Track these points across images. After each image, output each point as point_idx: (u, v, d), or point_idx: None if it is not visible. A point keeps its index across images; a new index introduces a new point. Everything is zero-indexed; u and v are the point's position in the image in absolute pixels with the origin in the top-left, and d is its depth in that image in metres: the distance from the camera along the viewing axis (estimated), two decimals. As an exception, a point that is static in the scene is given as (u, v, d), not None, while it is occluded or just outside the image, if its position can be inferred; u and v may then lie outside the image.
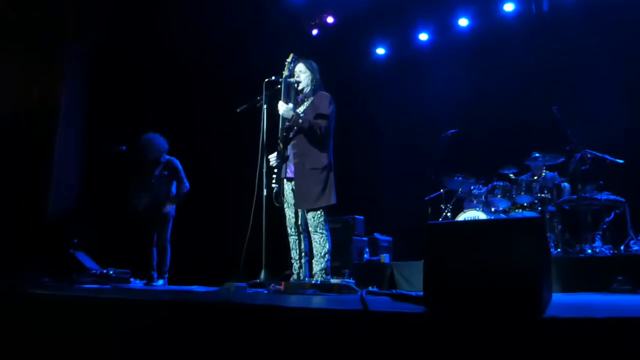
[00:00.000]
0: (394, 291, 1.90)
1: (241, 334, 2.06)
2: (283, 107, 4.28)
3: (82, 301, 2.95)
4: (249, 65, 7.23)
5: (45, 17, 6.89)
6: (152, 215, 6.23)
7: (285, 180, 4.42)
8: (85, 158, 7.30)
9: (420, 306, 1.81)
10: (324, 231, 4.21)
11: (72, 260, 6.12)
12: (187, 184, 6.36)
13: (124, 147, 6.42)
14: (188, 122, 7.76)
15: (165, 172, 6.30)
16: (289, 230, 4.42)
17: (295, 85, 4.46)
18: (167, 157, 6.44)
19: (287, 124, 4.32)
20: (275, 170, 4.37)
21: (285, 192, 4.43)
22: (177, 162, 6.42)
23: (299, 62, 4.48)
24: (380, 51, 9.47)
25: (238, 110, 4.69)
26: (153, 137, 6.37)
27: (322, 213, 4.24)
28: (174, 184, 6.34)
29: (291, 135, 4.38)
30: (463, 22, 8.58)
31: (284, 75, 4.40)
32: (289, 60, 4.42)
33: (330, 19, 8.83)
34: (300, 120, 4.22)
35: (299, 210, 4.34)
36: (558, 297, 3.57)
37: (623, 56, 6.87)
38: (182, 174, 6.39)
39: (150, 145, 6.34)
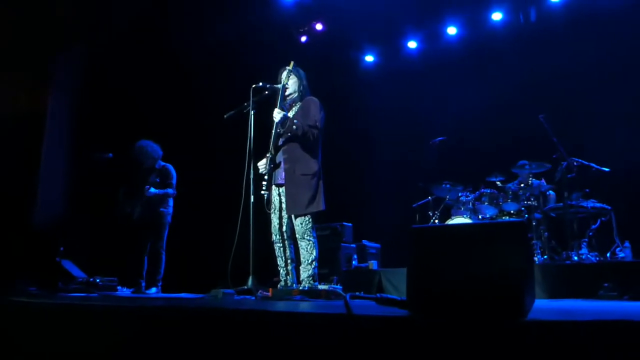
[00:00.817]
0: (378, 295, 1.90)
1: (229, 339, 2.06)
2: (279, 115, 4.28)
3: (68, 309, 2.92)
4: (237, 72, 7.25)
5: (33, 23, 6.86)
6: (147, 223, 6.18)
7: (274, 186, 4.42)
8: (72, 165, 7.25)
9: (405, 310, 1.82)
10: (311, 238, 4.21)
11: (59, 268, 6.06)
12: (174, 191, 6.33)
13: (111, 155, 6.37)
14: (176, 129, 7.73)
15: (157, 180, 6.27)
16: (273, 238, 4.40)
17: (284, 91, 4.47)
18: (162, 163, 6.42)
19: (279, 130, 4.33)
20: (266, 177, 4.36)
21: (273, 198, 4.43)
22: (171, 169, 6.39)
23: (286, 69, 4.49)
24: (369, 59, 9.52)
25: (225, 116, 4.68)
26: (146, 144, 6.35)
27: (310, 219, 4.24)
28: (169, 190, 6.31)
29: (281, 141, 4.38)
30: (452, 30, 8.65)
31: (283, 83, 4.41)
32: (289, 67, 4.44)
33: (319, 26, 8.87)
34: (294, 127, 4.22)
35: (286, 216, 4.33)
36: (543, 303, 3.59)
37: (609, 65, 6.96)
38: (174, 180, 6.35)
39: (144, 153, 6.31)
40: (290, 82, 4.48)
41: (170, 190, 6.28)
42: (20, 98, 7.08)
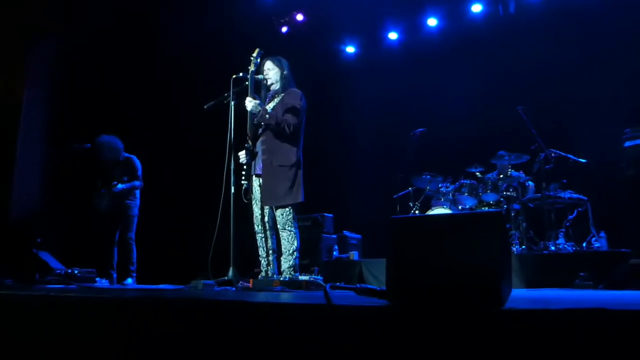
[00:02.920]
0: (358, 286, 1.91)
1: (209, 330, 2.05)
2: (250, 104, 4.26)
3: (45, 301, 2.89)
4: (216, 62, 7.19)
5: (9, 12, 6.73)
6: (113, 215, 6.17)
7: (254, 176, 4.40)
8: (48, 156, 7.15)
9: (384, 300, 1.83)
10: (292, 229, 4.21)
11: (36, 260, 5.98)
12: (141, 183, 6.30)
13: (89, 145, 6.30)
14: (155, 119, 7.67)
15: (122, 173, 6.23)
16: (255, 228, 4.39)
17: (265, 82, 4.45)
18: (126, 155, 6.37)
19: (255, 120, 4.30)
20: (245, 167, 4.34)
21: (253, 188, 4.41)
22: (136, 160, 6.35)
23: (267, 60, 4.46)
24: (350, 49, 9.51)
25: (205, 107, 4.65)
26: (106, 139, 6.30)
27: (291, 210, 4.24)
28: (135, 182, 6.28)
29: (260, 131, 4.36)
30: (432, 22, 8.67)
31: (250, 71, 4.38)
32: (254, 55, 4.41)
33: (299, 17, 8.83)
34: (267, 116, 4.20)
35: (266, 207, 4.33)
36: (521, 292, 3.64)
37: (588, 57, 7.03)
38: (139, 172, 6.32)
39: (103, 148, 6.27)
40: (271, 73, 4.45)
41: (137, 183, 6.26)
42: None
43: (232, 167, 4.34)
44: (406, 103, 8.25)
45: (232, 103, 4.46)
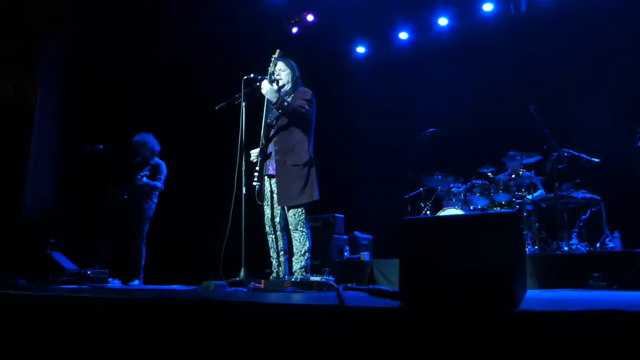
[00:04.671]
0: (370, 287, 1.91)
1: (221, 331, 2.06)
2: (267, 87, 4.23)
3: (58, 301, 2.91)
4: (227, 63, 7.21)
5: (21, 12, 6.79)
6: (128, 215, 6.18)
7: (266, 177, 4.41)
8: (62, 156, 7.20)
9: (397, 301, 1.82)
10: (304, 229, 4.22)
11: (49, 260, 6.02)
12: (162, 187, 6.32)
13: (101, 146, 6.34)
14: (167, 120, 7.69)
15: (149, 173, 6.24)
16: (266, 229, 4.41)
17: (277, 82, 4.46)
18: (157, 160, 6.40)
19: (269, 120, 4.30)
20: (257, 168, 4.35)
21: (265, 189, 4.42)
22: (164, 166, 6.38)
23: (279, 61, 4.47)
24: (361, 50, 9.49)
25: (217, 107, 4.67)
26: (149, 138, 6.32)
27: (303, 211, 4.25)
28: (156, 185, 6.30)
29: (272, 132, 4.38)
30: (443, 21, 8.64)
31: (270, 72, 4.38)
32: (275, 55, 4.41)
33: (310, 17, 8.82)
34: (285, 103, 4.20)
35: (279, 207, 4.33)
36: (534, 294, 3.61)
37: (600, 56, 6.98)
38: (164, 176, 6.34)
39: (144, 147, 6.30)
40: (283, 74, 4.47)
41: (159, 184, 6.27)
42: (9, 90, 7.01)
43: (243, 167, 4.36)
44: (417, 103, 8.23)
45: (243, 104, 4.48)
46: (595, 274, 4.68)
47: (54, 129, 7.33)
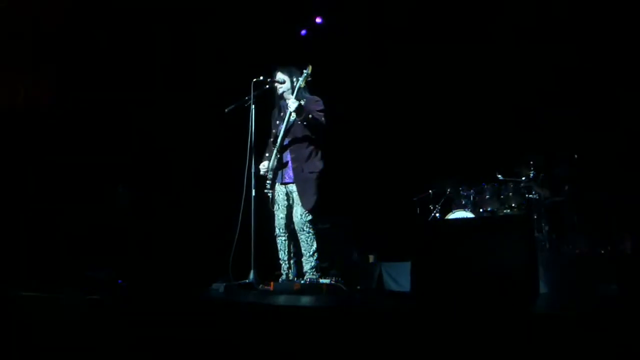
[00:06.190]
0: (381, 288, 1.90)
1: (230, 332, 2.06)
2: (294, 104, 4.28)
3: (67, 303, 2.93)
4: (237, 65, 7.22)
5: (36, 14, 6.83)
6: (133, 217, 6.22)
7: (279, 185, 4.50)
8: (70, 158, 7.22)
9: (409, 303, 1.82)
10: (310, 230, 4.33)
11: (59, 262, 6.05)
12: None
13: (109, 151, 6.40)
14: (176, 123, 7.71)
15: None
16: (277, 231, 4.48)
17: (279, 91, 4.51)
18: None
19: (298, 120, 4.34)
20: (270, 176, 4.46)
21: (277, 194, 4.49)
22: None
23: (308, 77, 4.51)
24: (368, 51, 9.46)
25: (226, 110, 4.68)
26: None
27: (309, 212, 4.33)
28: None
29: (287, 141, 4.47)
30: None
31: (299, 87, 4.43)
32: (308, 72, 4.43)
33: (318, 19, 8.81)
34: (310, 116, 4.29)
35: (298, 211, 4.40)
36: (546, 296, 3.59)
37: (611, 56, 6.91)
38: None
39: None
40: (284, 85, 4.55)
41: None
42: (20, 93, 7.06)
43: (252, 170, 4.39)
44: (426, 104, 8.19)
45: (253, 106, 4.51)
46: (606, 278, 4.64)
47: (63, 130, 7.34)
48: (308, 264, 4.29)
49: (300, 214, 4.30)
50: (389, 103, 8.60)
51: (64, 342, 2.66)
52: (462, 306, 1.65)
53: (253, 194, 4.37)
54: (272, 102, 4.69)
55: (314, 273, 4.24)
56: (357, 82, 8.93)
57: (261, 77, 4.49)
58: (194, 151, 7.71)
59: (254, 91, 4.51)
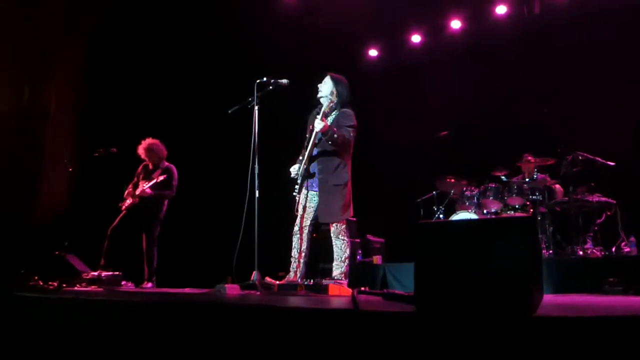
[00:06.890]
0: (385, 291, 1.90)
1: (233, 334, 2.06)
2: (319, 125, 4.34)
3: (72, 303, 2.93)
4: (240, 66, 7.23)
5: (36, 15, 6.85)
6: (137, 217, 6.20)
7: (305, 189, 4.56)
8: (76, 159, 7.24)
9: (411, 305, 1.81)
10: (345, 238, 4.44)
11: (62, 262, 6.06)
12: (173, 192, 6.33)
13: (114, 149, 6.39)
14: (179, 123, 7.73)
15: (160, 178, 6.25)
16: (295, 229, 4.53)
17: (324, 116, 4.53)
18: (167, 164, 6.41)
19: (324, 138, 4.40)
20: (298, 180, 4.53)
21: (302, 198, 4.55)
22: (174, 171, 6.38)
23: (328, 75, 4.66)
24: (373, 53, 9.48)
25: (230, 111, 4.69)
26: (154, 144, 6.35)
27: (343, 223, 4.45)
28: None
29: (315, 152, 4.54)
30: (455, 24, 8.60)
31: (319, 97, 4.59)
32: (331, 104, 4.59)
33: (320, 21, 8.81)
34: (335, 136, 4.34)
35: (311, 216, 4.49)
36: (549, 298, 3.58)
37: (614, 58, 6.91)
38: (174, 182, 6.34)
39: (151, 152, 6.32)
40: (324, 88, 4.64)
41: (167, 192, 6.26)
42: (24, 93, 7.08)
43: (256, 171, 4.39)
44: (429, 106, 8.18)
45: (256, 107, 4.52)
46: (611, 279, 4.63)
47: (69, 131, 7.37)
48: (338, 268, 4.37)
49: (335, 224, 4.41)
50: (393, 104, 8.60)
51: (63, 342, 2.67)
52: (463, 309, 1.64)
53: (257, 194, 4.36)
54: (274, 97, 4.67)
55: (342, 278, 4.32)
56: (357, 81, 8.92)
57: (264, 79, 4.51)
58: (195, 151, 7.72)
59: (257, 92, 4.52)
